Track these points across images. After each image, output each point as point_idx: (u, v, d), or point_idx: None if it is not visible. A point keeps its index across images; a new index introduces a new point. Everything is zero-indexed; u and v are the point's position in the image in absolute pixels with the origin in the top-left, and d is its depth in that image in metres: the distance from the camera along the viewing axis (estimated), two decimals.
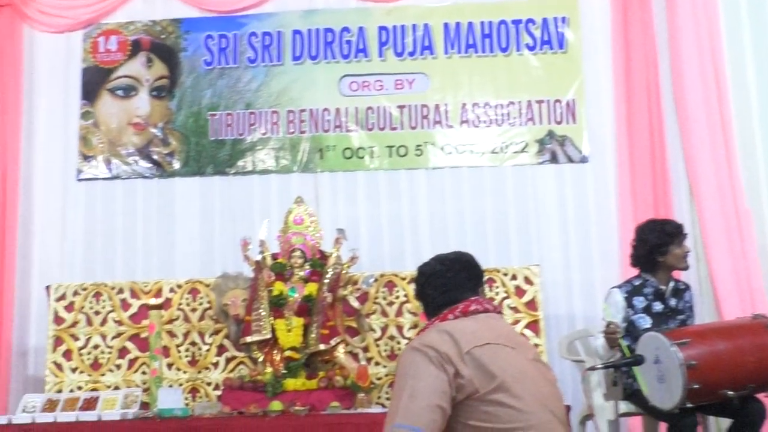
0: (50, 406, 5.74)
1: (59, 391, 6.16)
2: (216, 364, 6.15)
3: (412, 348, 2.10)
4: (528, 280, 5.80)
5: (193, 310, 6.22)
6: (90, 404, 5.69)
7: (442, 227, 6.47)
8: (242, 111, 6.56)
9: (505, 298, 5.67)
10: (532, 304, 5.75)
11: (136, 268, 6.78)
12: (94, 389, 6.13)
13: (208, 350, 6.16)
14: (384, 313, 6.11)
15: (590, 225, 6.24)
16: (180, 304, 6.23)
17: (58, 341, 6.29)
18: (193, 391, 6.13)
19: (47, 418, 5.47)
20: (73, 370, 6.24)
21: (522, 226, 6.33)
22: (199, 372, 6.15)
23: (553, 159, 6.25)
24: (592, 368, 3.66)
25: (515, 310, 5.74)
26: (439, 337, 2.24)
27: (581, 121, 6.21)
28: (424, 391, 2.10)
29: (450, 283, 2.42)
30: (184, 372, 6.16)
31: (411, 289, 6.15)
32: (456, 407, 2.07)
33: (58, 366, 6.26)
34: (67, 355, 6.26)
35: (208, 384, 6.13)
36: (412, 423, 2.04)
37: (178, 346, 6.21)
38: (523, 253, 6.25)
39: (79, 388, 6.19)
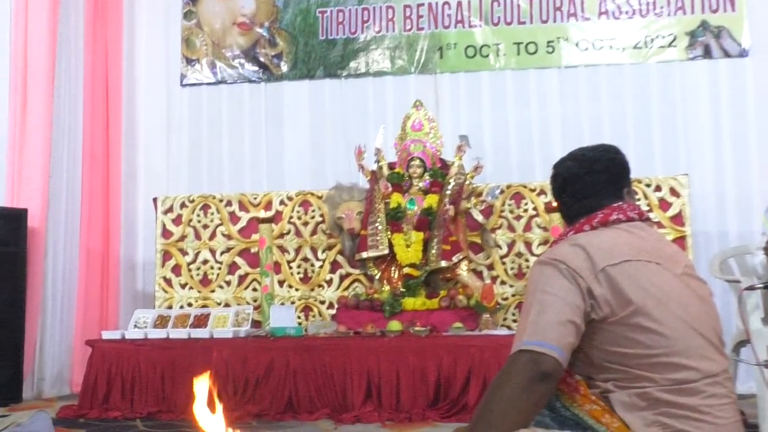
0: (161, 322, 6.19)
1: (169, 307, 6.58)
2: (329, 282, 6.38)
3: (541, 262, 2.06)
4: (674, 192, 5.72)
5: (305, 224, 6.45)
6: (201, 321, 6.12)
7: (576, 133, 6.37)
8: (355, 7, 6.59)
9: (647, 212, 5.48)
10: (678, 219, 5.69)
11: (243, 179, 7.03)
12: (204, 306, 6.52)
13: (321, 267, 6.40)
14: (511, 228, 6.15)
15: (748, 129, 6.06)
16: (291, 217, 6.46)
17: (166, 256, 6.69)
18: (306, 309, 6.40)
19: (159, 333, 5.85)
20: (183, 285, 6.64)
21: (668, 131, 6.19)
22: (312, 290, 6.42)
23: (707, 54, 6.05)
24: (750, 288, 3.63)
25: (659, 225, 5.68)
26: (572, 251, 2.11)
27: (741, 9, 5.97)
28: (554, 305, 2.02)
29: (588, 188, 2.23)
30: (296, 289, 6.43)
31: (540, 201, 6.16)
32: (590, 329, 1.99)
33: (168, 281, 6.68)
34: (176, 270, 6.66)
35: (322, 302, 6.39)
36: (542, 339, 1.95)
37: (289, 262, 6.47)
38: (668, 162, 6.15)
39: (189, 304, 6.60)
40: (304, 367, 5.36)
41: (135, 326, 6.17)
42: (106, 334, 6.01)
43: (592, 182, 2.19)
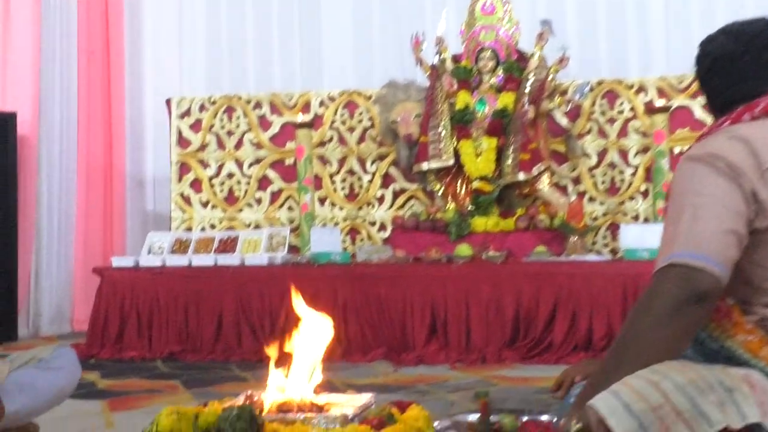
0: (180, 247, 6.20)
1: (188, 230, 6.63)
2: (381, 199, 6.39)
3: (692, 158, 1.98)
4: None
5: (350, 129, 6.41)
6: (227, 246, 6.13)
7: (683, 13, 6.30)
8: None
9: None
10: None
11: (272, 76, 6.96)
12: (230, 228, 6.58)
13: (370, 181, 6.39)
14: (602, 133, 6.11)
15: None
16: (333, 122, 6.42)
17: (183, 169, 6.69)
18: (352, 232, 6.44)
19: (179, 260, 5.89)
20: (204, 204, 6.67)
21: None
22: (360, 208, 6.44)
23: None
24: None
25: None
26: (730, 145, 2.02)
27: None
28: (711, 210, 1.92)
29: (746, 69, 2.13)
30: (341, 208, 6.46)
31: (639, 101, 6.10)
32: (751, 241, 1.92)
33: (186, 199, 6.70)
34: (196, 185, 6.68)
35: (372, 224, 6.42)
36: (697, 250, 1.88)
37: (332, 175, 6.47)
38: None
39: (213, 226, 6.66)
40: (354, 300, 5.40)
41: (149, 252, 6.21)
42: (117, 261, 6.07)
43: (751, 62, 2.09)
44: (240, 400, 2.39)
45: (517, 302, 5.23)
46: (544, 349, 5.12)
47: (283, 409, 2.38)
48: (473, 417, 2.89)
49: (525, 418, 2.95)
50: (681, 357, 1.90)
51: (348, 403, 2.49)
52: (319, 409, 2.42)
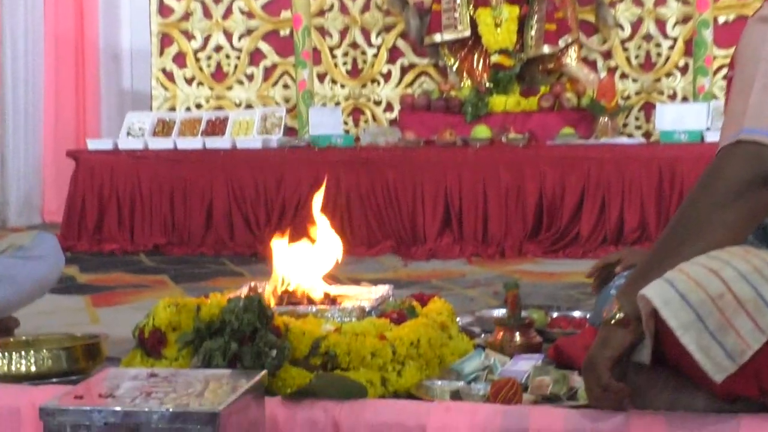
0: (163, 129, 6.14)
1: (172, 110, 6.60)
2: (387, 75, 6.34)
3: (764, 19, 1.89)
4: None
5: None
6: (216, 128, 6.07)
7: None
8: None
9: None
10: None
11: None
12: (218, 107, 6.53)
13: (375, 55, 6.33)
14: (637, 1, 6.01)
15: None
16: None
17: (165, 40, 6.62)
18: (356, 112, 6.41)
19: (163, 143, 5.91)
20: (189, 81, 6.63)
21: None
22: (364, 86, 6.40)
23: None
24: None
25: None
26: None
27: None
28: None
29: None
30: (343, 86, 6.41)
31: None
32: None
33: (168, 75, 6.65)
34: (179, 60, 6.62)
35: (377, 103, 6.39)
36: None
37: (332, 48, 6.41)
38: None
39: (199, 106, 6.64)
40: (359, 189, 5.40)
41: (128, 134, 6.18)
42: (93, 144, 6.05)
43: None
44: (243, 292, 2.39)
45: (540, 190, 5.23)
46: (569, 242, 5.14)
47: (292, 301, 2.39)
48: (498, 312, 2.91)
49: (555, 314, 2.98)
50: (743, 243, 1.87)
51: (363, 295, 2.51)
52: (332, 301, 2.43)
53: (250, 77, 6.52)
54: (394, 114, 6.20)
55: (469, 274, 4.56)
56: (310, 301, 2.40)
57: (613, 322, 1.79)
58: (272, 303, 2.33)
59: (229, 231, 5.55)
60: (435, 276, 4.54)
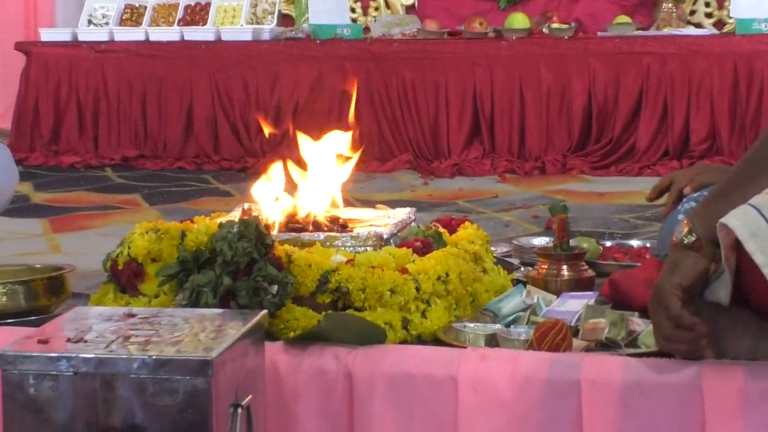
0: (132, 16, 6.07)
1: None
2: None
3: None
4: None
5: None
6: (197, 15, 6.00)
7: None
8: None
9: None
10: None
11: None
12: None
13: None
14: None
15: None
16: None
17: None
18: None
19: (133, 35, 5.90)
20: None
21: None
22: None
23: None
24: None
25: None
26: None
27: None
28: None
29: None
30: None
31: None
32: None
33: None
34: None
35: None
36: None
37: None
38: None
39: None
40: (369, 90, 5.38)
41: (90, 23, 6.15)
42: (48, 34, 6.03)
43: None
44: (236, 215, 2.39)
45: (588, 92, 5.21)
46: (623, 156, 5.14)
47: (294, 227, 2.38)
48: (540, 241, 2.91)
49: (608, 243, 2.97)
50: None
51: (380, 220, 2.50)
52: (342, 227, 2.42)
53: None
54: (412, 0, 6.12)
55: (503, 195, 4.56)
56: (317, 227, 2.39)
57: (684, 244, 1.78)
58: (272, 228, 2.32)
59: (213, 141, 5.55)
60: (461, 197, 4.54)
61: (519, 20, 5.48)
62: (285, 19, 6.11)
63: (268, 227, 2.26)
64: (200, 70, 5.56)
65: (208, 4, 6.00)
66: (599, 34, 5.39)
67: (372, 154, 5.32)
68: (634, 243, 2.98)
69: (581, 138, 5.19)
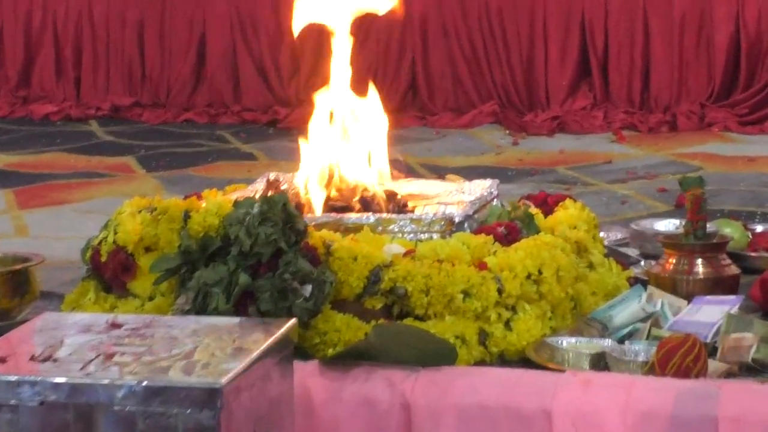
0: None
1: None
2: None
3: None
4: None
5: None
6: None
7: None
8: None
9: None
10: None
11: None
12: None
13: None
14: None
15: None
16: None
17: None
18: None
19: None
20: None
21: None
22: None
23: None
24: None
25: None
26: None
27: None
28: None
29: None
30: None
31: None
32: None
33: None
34: None
35: None
36: None
37: None
38: None
39: None
40: (441, 14, 5.36)
41: None
42: None
43: None
44: (258, 189, 2.39)
45: (736, 18, 5.16)
46: None
47: (336, 206, 2.38)
48: (668, 224, 2.88)
49: (759, 228, 2.94)
50: None
51: (450, 195, 2.48)
52: (400, 206, 2.41)
53: None
54: None
55: (619, 160, 4.53)
56: (366, 205, 2.38)
57: None
58: (306, 208, 2.31)
59: (232, 85, 5.55)
60: (563, 162, 4.52)
61: None
62: None
63: (300, 206, 2.25)
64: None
65: None
66: None
67: (444, 103, 5.29)
68: None
69: (726, 82, 5.15)
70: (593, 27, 5.26)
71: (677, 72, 5.18)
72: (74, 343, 1.78)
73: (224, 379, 1.65)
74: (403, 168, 2.73)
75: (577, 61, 5.28)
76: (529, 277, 2.17)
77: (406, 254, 2.17)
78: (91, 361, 1.72)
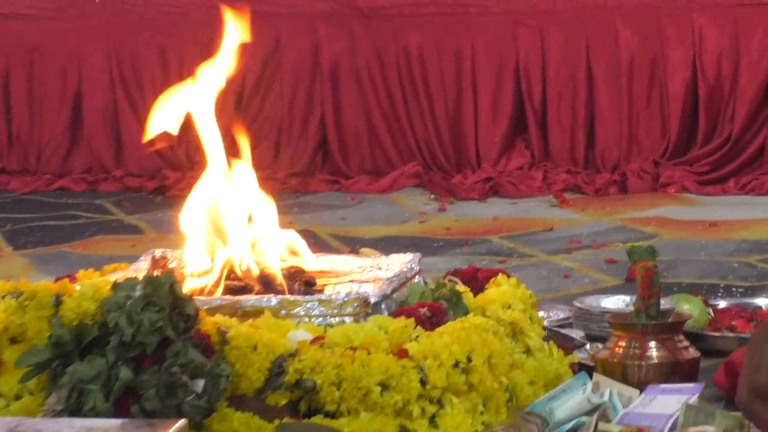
0: None
1: None
2: None
3: None
4: None
5: None
6: None
7: None
8: None
9: None
10: None
11: None
12: None
13: None
14: None
15: None
16: None
17: None
18: None
19: None
20: None
21: None
22: None
23: None
24: None
25: None
26: None
27: None
28: None
29: None
30: None
31: None
32: None
33: None
34: None
35: None
36: None
37: None
38: None
39: None
40: (355, 63, 5.42)
41: None
42: None
43: None
44: (142, 268, 2.38)
45: (692, 64, 5.23)
46: (747, 163, 5.18)
47: (231, 287, 2.38)
48: (615, 301, 2.90)
49: (722, 304, 2.96)
50: None
51: (365, 272, 2.49)
52: (307, 285, 2.42)
53: None
54: None
55: (561, 227, 4.57)
56: (267, 285, 2.39)
57: None
58: (198, 289, 2.31)
59: (113, 147, 5.55)
60: (498, 230, 4.55)
61: None
62: None
63: (191, 286, 2.25)
64: (93, 37, 5.57)
65: None
66: None
67: (359, 165, 5.32)
68: (765, 303, 2.97)
69: (682, 136, 5.22)
70: (529, 74, 5.31)
71: (626, 125, 5.23)
72: None
73: None
74: (311, 240, 2.73)
75: (512, 113, 5.33)
76: (456, 365, 2.17)
77: (313, 341, 2.17)
78: None
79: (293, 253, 2.55)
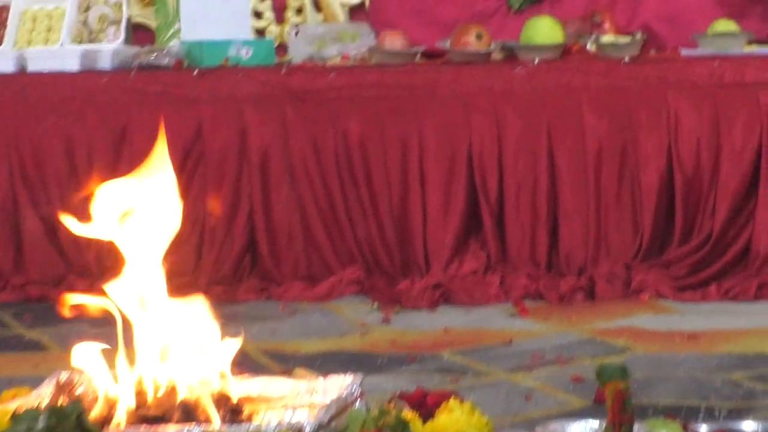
0: None
1: None
2: None
3: None
4: None
5: None
6: None
7: None
8: None
9: None
10: None
11: None
12: None
13: None
14: None
15: None
16: None
17: None
18: None
19: None
20: None
21: None
22: None
23: None
24: None
25: None
26: None
27: None
28: None
29: None
30: None
31: None
32: None
33: None
34: None
35: None
36: None
37: None
38: None
39: None
40: (288, 156, 5.44)
41: None
42: None
43: None
44: (45, 395, 2.39)
45: (667, 154, 5.27)
46: (731, 266, 5.20)
47: (147, 416, 2.39)
48: (584, 426, 2.92)
49: (704, 429, 2.98)
50: None
51: (299, 397, 2.51)
52: (233, 413, 2.43)
53: None
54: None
55: (522, 339, 4.60)
56: (188, 414, 2.40)
57: None
58: (110, 420, 2.32)
59: (12, 249, 5.55)
60: (450, 344, 4.58)
61: (545, 29, 5.53)
62: (139, 33, 6.18)
63: (101, 418, 2.26)
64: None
65: (5, 8, 6.05)
66: (683, 52, 5.44)
67: (292, 269, 5.34)
68: (751, 428, 3.00)
69: (657, 235, 5.26)
70: (484, 164, 5.33)
71: (594, 222, 5.26)
72: None
73: None
74: (238, 358, 2.75)
75: (464, 210, 5.35)
76: None
77: None
78: None
79: (219, 375, 2.56)
